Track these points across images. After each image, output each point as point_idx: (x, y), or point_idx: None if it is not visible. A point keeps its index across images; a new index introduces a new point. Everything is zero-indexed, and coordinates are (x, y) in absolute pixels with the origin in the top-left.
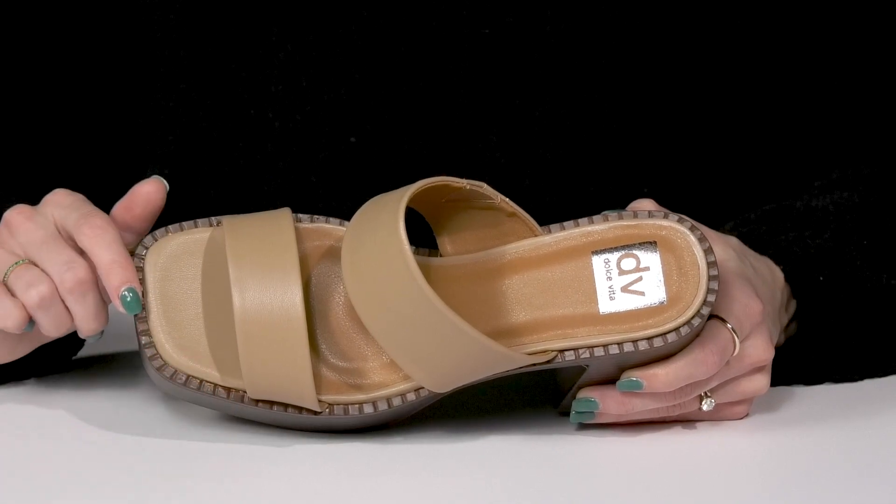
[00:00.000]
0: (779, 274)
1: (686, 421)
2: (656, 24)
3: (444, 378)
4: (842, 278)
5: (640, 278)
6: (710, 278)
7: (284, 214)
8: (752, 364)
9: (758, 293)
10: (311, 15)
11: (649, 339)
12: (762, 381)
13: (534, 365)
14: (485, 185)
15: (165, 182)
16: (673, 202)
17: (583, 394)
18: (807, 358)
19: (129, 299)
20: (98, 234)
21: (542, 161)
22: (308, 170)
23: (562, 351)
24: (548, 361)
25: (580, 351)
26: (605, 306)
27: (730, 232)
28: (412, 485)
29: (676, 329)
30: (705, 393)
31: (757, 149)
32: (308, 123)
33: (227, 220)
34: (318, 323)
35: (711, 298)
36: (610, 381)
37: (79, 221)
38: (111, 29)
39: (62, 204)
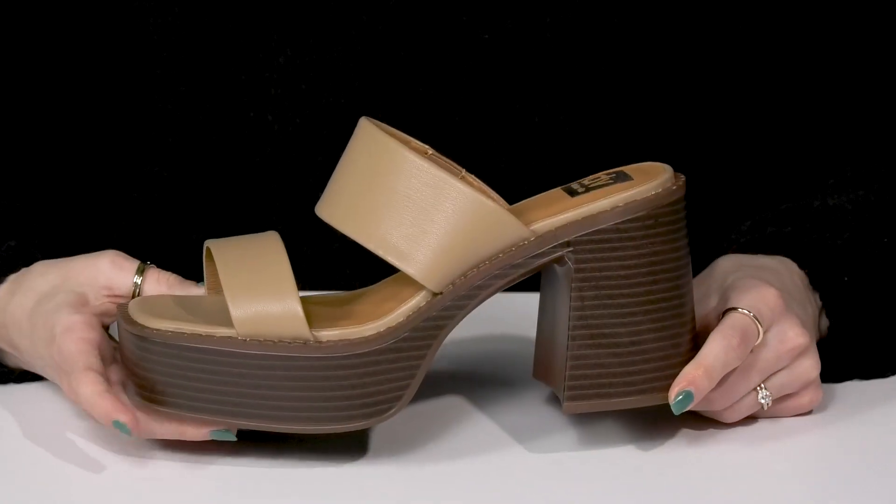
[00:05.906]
0: (790, 264)
1: (755, 418)
2: (657, 31)
3: (437, 259)
4: (866, 278)
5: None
6: None
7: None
8: (790, 350)
9: (769, 282)
10: (310, 19)
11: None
12: (807, 363)
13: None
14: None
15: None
16: None
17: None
18: (837, 356)
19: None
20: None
21: (542, 166)
22: (307, 173)
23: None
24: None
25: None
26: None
27: (745, 233)
28: None
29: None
30: (759, 387)
31: (764, 150)
32: (307, 127)
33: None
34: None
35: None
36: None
37: (70, 385)
38: (111, 31)
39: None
